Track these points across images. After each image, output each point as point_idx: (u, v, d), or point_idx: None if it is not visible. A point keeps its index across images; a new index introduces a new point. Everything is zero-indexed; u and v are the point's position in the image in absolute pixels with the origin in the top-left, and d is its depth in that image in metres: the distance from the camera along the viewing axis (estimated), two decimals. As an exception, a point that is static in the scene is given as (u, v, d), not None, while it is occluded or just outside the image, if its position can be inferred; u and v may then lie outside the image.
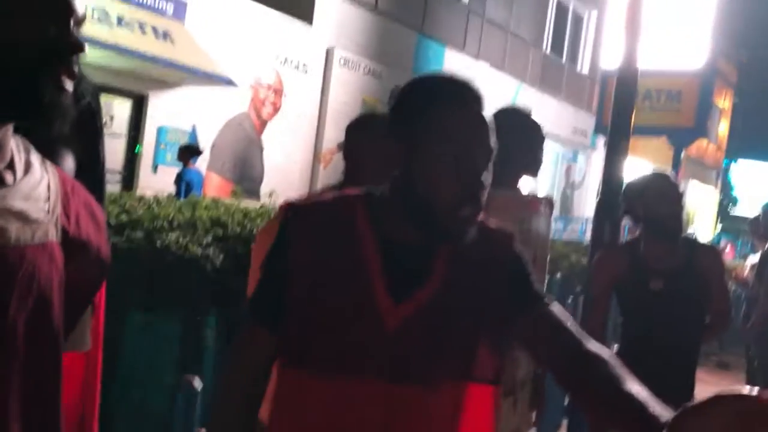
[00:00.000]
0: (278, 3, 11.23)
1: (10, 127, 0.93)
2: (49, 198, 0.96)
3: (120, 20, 8.73)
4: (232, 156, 10.91)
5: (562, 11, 18.70)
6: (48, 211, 0.95)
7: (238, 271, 3.38)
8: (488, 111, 1.27)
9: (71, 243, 0.98)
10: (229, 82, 9.98)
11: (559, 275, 6.30)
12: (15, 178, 0.93)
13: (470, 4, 15.20)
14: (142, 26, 8.98)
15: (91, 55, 8.43)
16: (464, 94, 1.24)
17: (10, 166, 0.94)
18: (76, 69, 0.92)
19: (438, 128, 1.21)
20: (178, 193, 7.68)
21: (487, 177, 1.22)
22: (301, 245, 1.26)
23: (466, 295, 1.25)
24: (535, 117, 2.55)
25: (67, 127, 0.94)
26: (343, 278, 1.23)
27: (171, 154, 9.86)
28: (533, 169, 2.51)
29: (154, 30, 9.14)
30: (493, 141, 1.24)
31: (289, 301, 1.24)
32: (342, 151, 2.19)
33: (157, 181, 9.60)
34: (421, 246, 1.25)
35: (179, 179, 8.08)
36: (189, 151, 8.45)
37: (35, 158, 0.99)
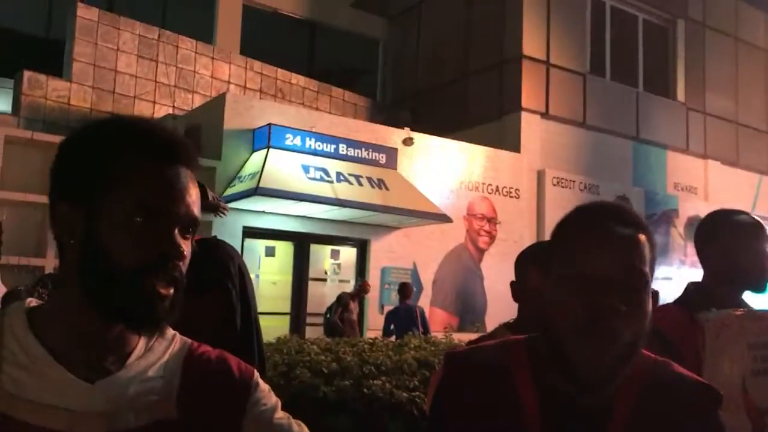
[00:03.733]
0: (484, 138, 11.57)
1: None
2: (163, 377, 0.97)
3: (339, 176, 9.55)
4: (453, 289, 11.01)
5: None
6: (158, 393, 0.95)
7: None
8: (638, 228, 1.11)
9: (189, 419, 0.97)
10: (444, 219, 10.28)
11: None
12: (124, 365, 0.95)
13: (687, 101, 14.38)
14: (358, 179, 9.72)
15: (317, 210, 9.28)
16: (593, 217, 1.13)
17: (127, 355, 0.97)
18: (176, 274, 0.92)
19: (558, 254, 1.12)
20: (386, 331, 8.05)
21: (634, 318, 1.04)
22: (456, 397, 1.18)
23: None
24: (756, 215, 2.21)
25: (173, 321, 0.95)
26: None
27: (395, 294, 10.23)
28: (760, 280, 2.15)
29: (370, 180, 9.84)
30: (638, 262, 1.07)
31: None
32: (512, 287, 2.06)
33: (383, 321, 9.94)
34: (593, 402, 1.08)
35: (389, 317, 8.62)
36: (404, 290, 8.93)
37: (161, 338, 1.01)
